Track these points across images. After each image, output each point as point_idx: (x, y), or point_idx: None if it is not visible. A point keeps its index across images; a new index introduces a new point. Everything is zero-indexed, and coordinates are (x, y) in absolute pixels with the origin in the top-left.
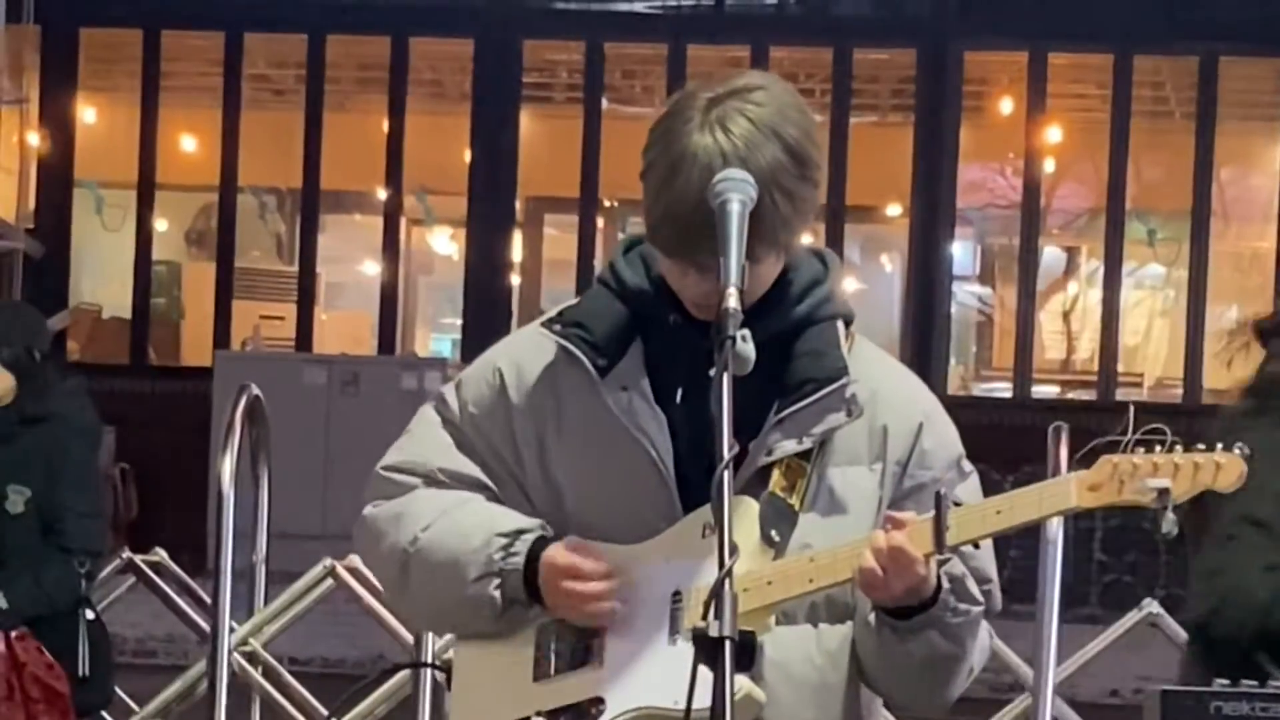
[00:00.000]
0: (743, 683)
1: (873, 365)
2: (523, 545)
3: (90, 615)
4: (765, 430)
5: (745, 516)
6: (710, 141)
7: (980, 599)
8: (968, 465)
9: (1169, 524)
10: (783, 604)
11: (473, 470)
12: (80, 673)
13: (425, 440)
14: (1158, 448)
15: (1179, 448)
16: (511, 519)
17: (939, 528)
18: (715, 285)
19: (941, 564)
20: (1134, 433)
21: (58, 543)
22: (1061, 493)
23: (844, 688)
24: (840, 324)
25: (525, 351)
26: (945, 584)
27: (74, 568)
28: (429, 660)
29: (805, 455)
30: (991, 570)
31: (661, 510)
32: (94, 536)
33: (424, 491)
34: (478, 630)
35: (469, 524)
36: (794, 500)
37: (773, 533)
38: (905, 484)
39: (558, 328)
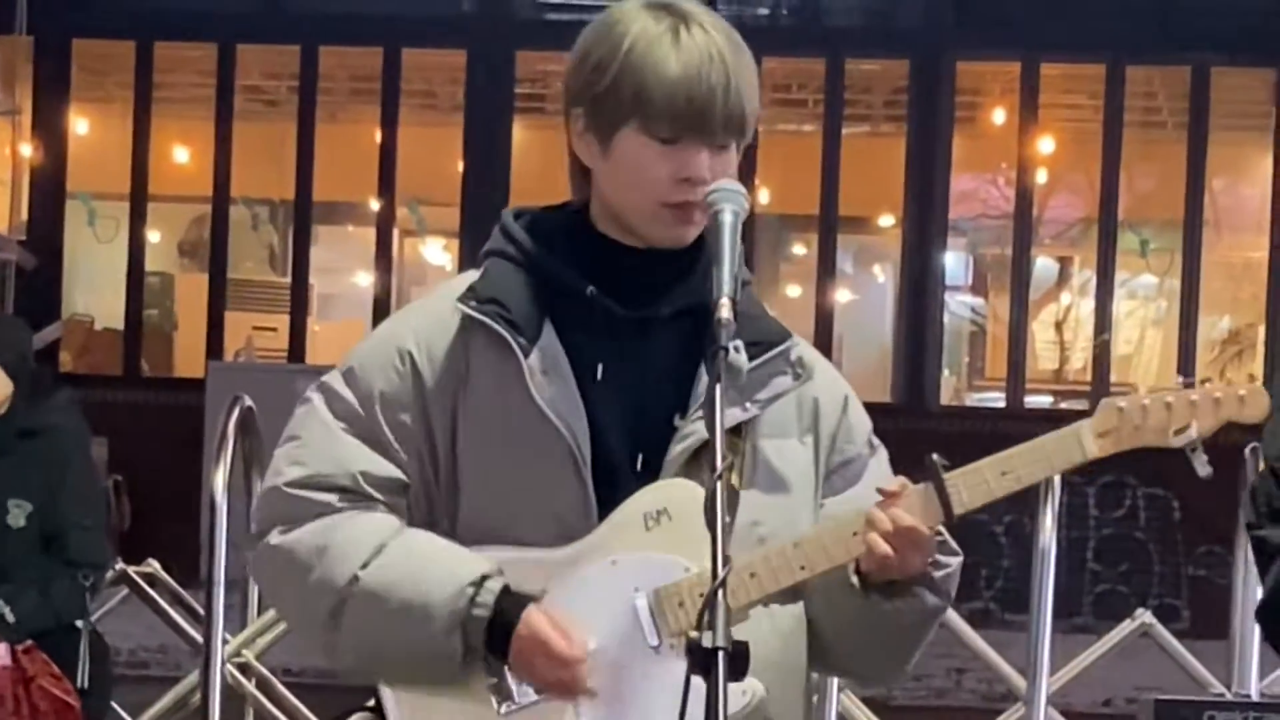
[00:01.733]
0: (754, 685)
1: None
2: (488, 595)
3: (88, 628)
4: (700, 400)
5: (690, 501)
6: (714, 46)
7: (958, 550)
8: (876, 440)
9: (1202, 465)
10: (771, 598)
11: (393, 471)
12: (79, 685)
13: (329, 445)
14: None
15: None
16: (469, 561)
17: (943, 496)
18: (721, 157)
19: None
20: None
21: (62, 557)
22: (1072, 444)
23: (800, 668)
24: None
25: (430, 330)
26: None
27: (79, 581)
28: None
29: (735, 431)
30: None
31: (573, 506)
32: (98, 550)
33: (345, 518)
34: (425, 680)
35: (424, 565)
36: (734, 479)
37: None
38: (833, 459)
39: (474, 304)
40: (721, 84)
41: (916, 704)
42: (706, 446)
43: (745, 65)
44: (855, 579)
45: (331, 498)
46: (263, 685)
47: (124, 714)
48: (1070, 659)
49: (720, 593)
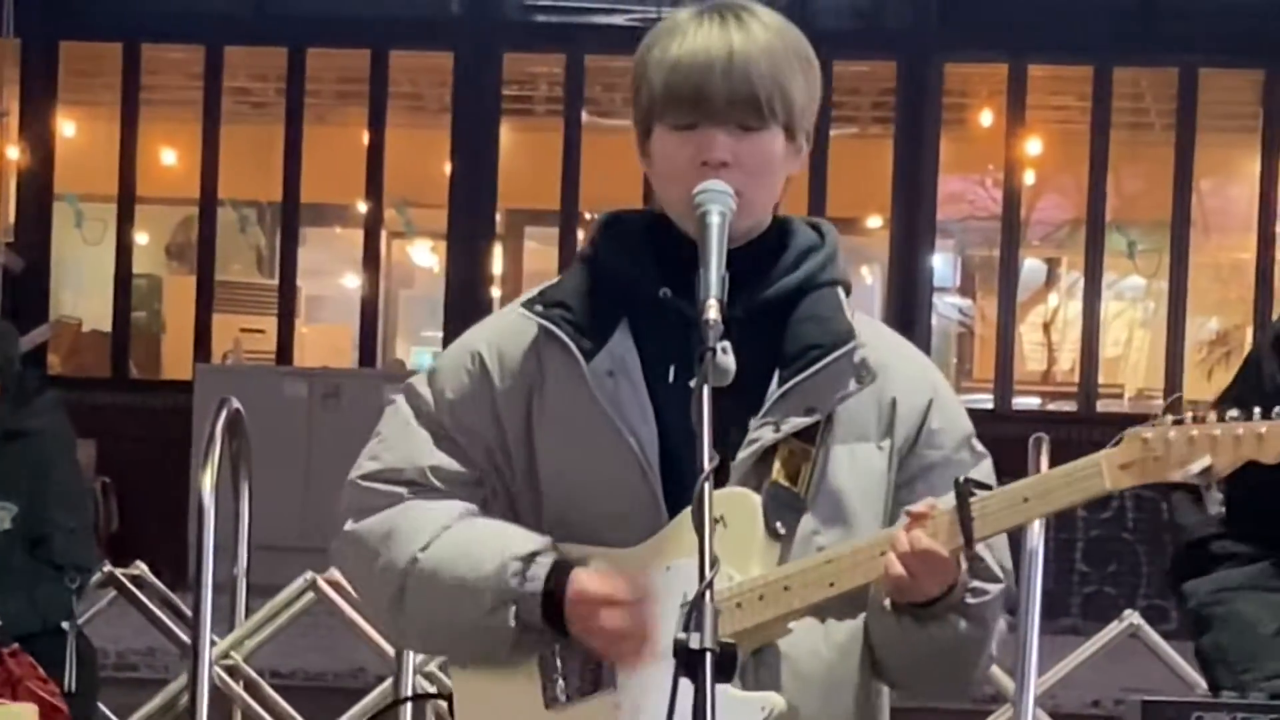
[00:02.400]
0: (773, 699)
1: (879, 335)
2: (540, 569)
3: (75, 630)
4: (768, 405)
5: (745, 510)
6: (729, 31)
7: (1000, 576)
8: (980, 445)
9: (1215, 503)
10: (803, 611)
11: (463, 468)
12: (67, 688)
13: (403, 441)
14: (1188, 416)
15: (1212, 416)
16: (521, 538)
17: (965, 520)
18: (748, 140)
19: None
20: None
21: (48, 559)
22: (1092, 474)
23: (855, 682)
24: (841, 291)
25: (504, 334)
26: (963, 564)
27: (65, 584)
28: (412, 681)
29: (808, 437)
30: (1007, 557)
31: (643, 507)
32: (84, 552)
33: (413, 503)
34: (483, 657)
35: (476, 544)
36: (799, 488)
37: (778, 525)
38: (912, 464)
39: (539, 308)
40: (722, 61)
41: (904, 705)
42: (773, 450)
43: (765, 48)
44: (888, 602)
45: (401, 490)
46: (250, 687)
47: (112, 716)
48: (1058, 660)
49: (707, 594)
